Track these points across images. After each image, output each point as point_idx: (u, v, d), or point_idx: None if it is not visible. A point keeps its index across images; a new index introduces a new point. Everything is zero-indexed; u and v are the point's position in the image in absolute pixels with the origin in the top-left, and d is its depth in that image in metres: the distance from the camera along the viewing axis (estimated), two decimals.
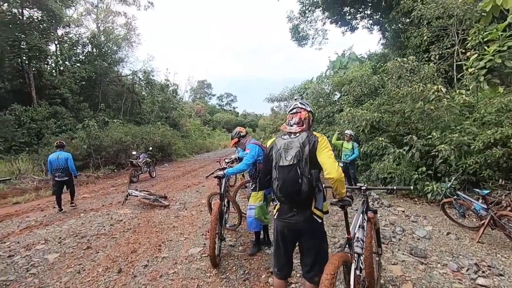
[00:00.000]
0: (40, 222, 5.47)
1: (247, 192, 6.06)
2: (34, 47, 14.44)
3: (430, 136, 6.20)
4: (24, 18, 14.82)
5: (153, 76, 24.51)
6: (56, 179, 6.22)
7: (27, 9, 14.89)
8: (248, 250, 3.77)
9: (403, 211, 5.53)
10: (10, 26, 14.07)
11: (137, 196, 6.56)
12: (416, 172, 6.31)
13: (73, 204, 6.58)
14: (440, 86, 6.38)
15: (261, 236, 3.88)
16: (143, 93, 24.45)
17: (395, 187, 2.64)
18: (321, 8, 15.75)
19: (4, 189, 8.48)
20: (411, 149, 6.45)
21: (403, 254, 3.65)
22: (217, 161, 9.84)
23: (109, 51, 20.78)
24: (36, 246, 4.23)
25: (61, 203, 6.26)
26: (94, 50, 20.27)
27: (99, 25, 22.31)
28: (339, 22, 16.06)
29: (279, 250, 2.17)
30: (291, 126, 2.17)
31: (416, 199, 6.29)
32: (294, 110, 2.22)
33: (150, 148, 12.91)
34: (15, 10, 14.58)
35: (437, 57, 8.94)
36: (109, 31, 21.99)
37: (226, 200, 3.90)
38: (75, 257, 3.80)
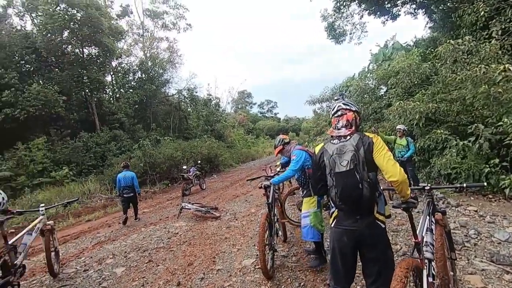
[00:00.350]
0: (108, 238, 6.00)
1: (296, 199, 5.94)
2: (94, 80, 16.34)
3: (501, 123, 5.40)
4: (85, 56, 16.89)
5: (196, 92, 25.94)
6: (124, 195, 7.03)
7: (86, 47, 16.97)
8: (303, 261, 3.63)
9: (475, 211, 4.87)
10: (74, 64, 16.18)
11: (190, 209, 6.85)
12: (487, 165, 5.55)
13: (137, 219, 7.27)
14: (507, 65, 5.58)
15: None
16: (188, 109, 25.89)
17: (465, 185, 2.35)
18: (356, 1, 15.07)
19: (78, 208, 9.57)
20: (478, 140, 5.70)
21: (482, 261, 3.18)
22: (262, 169, 9.86)
23: (156, 74, 22.49)
24: (106, 260, 4.63)
25: (127, 217, 6.98)
26: (143, 76, 22.14)
27: (145, 52, 24.37)
28: (378, 12, 15.15)
29: (336, 260, 2.03)
30: (339, 129, 2.07)
31: (490, 196, 5.51)
32: (339, 113, 2.11)
33: (199, 161, 13.49)
34: (77, 50, 16.71)
35: (499, 33, 7.84)
36: (154, 56, 23.86)
37: (276, 210, 3.84)
38: (139, 270, 4.06)
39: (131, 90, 21.14)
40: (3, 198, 3.01)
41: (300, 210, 3.89)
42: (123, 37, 20.83)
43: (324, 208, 3.68)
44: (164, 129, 21.86)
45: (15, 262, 3.24)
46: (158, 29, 25.91)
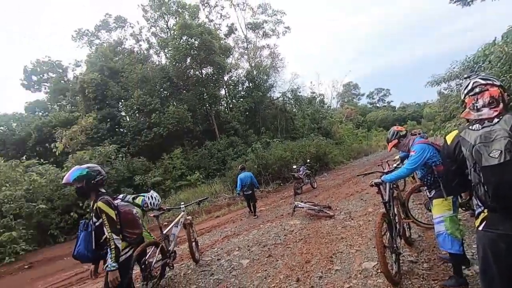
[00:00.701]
0: (233, 232, 6.78)
1: (423, 197, 5.15)
2: (212, 95, 19.00)
3: None
4: (203, 76, 19.81)
5: (299, 92, 26.25)
6: (244, 193, 8.06)
7: (203, 68, 19.91)
8: (438, 269, 3.10)
9: None
10: (196, 84, 19.22)
11: (303, 207, 6.94)
12: None
13: (256, 216, 7.98)
14: None
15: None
16: (293, 110, 26.48)
17: None
18: None
19: (208, 206, 11.24)
20: None
21: None
22: (378, 165, 9.01)
23: (261, 82, 24.07)
24: (233, 252, 5.23)
25: (251, 210, 8.19)
26: (250, 84, 24.08)
27: (250, 62, 26.44)
28: None
29: (490, 272, 1.61)
30: (479, 110, 1.65)
31: None
32: (477, 89, 1.69)
33: (308, 160, 13.53)
34: (197, 72, 19.82)
35: None
36: (258, 65, 25.59)
37: (395, 209, 3.43)
38: (261, 264, 4.40)
39: (241, 99, 23.39)
40: (158, 200, 3.86)
41: (429, 210, 3.35)
42: (231, 53, 23.34)
43: (463, 209, 3.03)
44: (272, 131, 23.08)
45: (169, 248, 4.12)
46: (260, 39, 27.71)
